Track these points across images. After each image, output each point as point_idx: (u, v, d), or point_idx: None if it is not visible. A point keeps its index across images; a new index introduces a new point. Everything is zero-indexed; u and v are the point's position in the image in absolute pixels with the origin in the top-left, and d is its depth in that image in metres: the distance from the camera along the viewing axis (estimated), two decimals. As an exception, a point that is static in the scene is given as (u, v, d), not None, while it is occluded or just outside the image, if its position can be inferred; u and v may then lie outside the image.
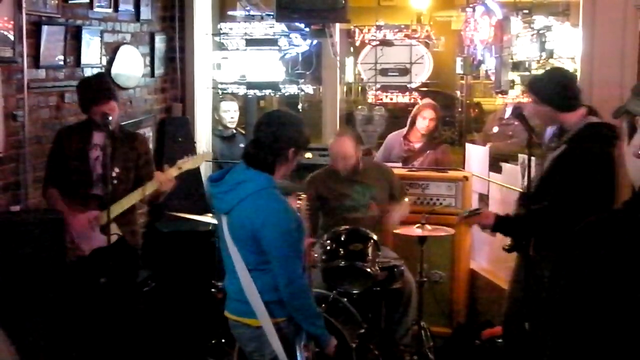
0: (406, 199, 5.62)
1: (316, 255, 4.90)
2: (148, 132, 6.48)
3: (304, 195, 4.29)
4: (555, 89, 4.15)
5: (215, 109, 7.21)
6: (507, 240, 4.37)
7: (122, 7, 6.05)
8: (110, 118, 4.55)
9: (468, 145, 6.76)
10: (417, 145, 6.86)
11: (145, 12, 6.42)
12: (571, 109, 4.13)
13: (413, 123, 6.86)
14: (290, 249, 3.43)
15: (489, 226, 4.32)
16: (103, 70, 5.79)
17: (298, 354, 3.48)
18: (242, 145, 7.51)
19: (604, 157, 4.03)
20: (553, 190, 4.04)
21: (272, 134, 3.51)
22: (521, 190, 4.48)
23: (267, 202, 3.43)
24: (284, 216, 3.44)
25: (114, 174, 4.67)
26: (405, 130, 6.95)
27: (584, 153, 3.97)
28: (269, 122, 3.57)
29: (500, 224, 4.25)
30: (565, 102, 4.13)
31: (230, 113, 7.14)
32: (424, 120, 6.78)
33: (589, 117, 4.13)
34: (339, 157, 5.37)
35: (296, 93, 6.92)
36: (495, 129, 7.22)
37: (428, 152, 6.80)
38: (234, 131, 7.29)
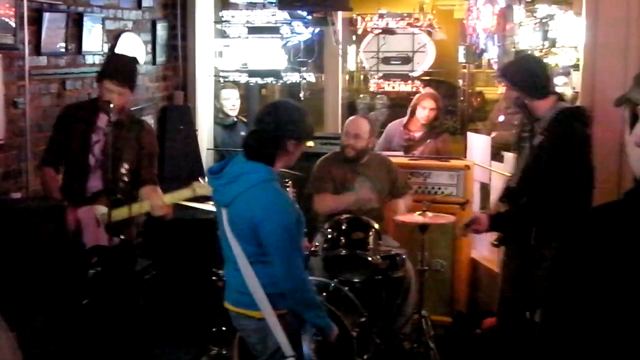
0: (407, 196, 5.63)
1: (317, 244, 4.89)
2: (149, 120, 6.47)
3: (290, 182, 4.28)
4: (525, 76, 4.18)
5: (216, 96, 7.20)
6: (494, 236, 4.42)
7: (123, -6, 6.04)
8: (111, 105, 4.47)
9: (470, 134, 6.75)
10: (417, 135, 6.86)
11: (147, 0, 6.40)
12: (541, 96, 4.14)
13: (413, 112, 6.86)
14: (290, 242, 3.39)
15: (483, 231, 4.36)
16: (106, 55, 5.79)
17: (304, 345, 3.46)
18: (243, 133, 7.49)
19: (583, 137, 4.06)
20: (540, 179, 4.04)
21: (271, 126, 3.47)
22: (506, 185, 4.50)
23: (267, 194, 3.39)
24: (284, 209, 3.40)
25: (123, 171, 4.60)
26: (405, 119, 6.95)
27: (563, 138, 3.97)
28: (270, 113, 3.52)
29: (494, 224, 4.28)
30: (536, 89, 4.14)
31: (232, 101, 7.12)
32: (424, 110, 6.79)
33: (560, 103, 4.14)
34: (351, 135, 5.39)
35: (298, 81, 6.91)
36: (501, 118, 7.22)
37: (428, 141, 6.80)
38: (235, 119, 7.27)
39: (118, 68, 4.62)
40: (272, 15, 6.61)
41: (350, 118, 5.66)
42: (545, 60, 4.27)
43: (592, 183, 4.14)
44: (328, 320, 3.62)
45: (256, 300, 3.42)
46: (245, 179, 3.42)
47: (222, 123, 7.24)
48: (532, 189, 4.11)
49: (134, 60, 4.86)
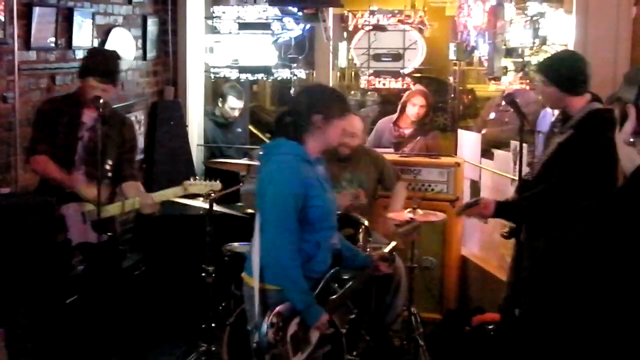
0: (400, 184, 5.60)
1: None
2: (140, 116, 6.46)
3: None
4: (564, 71, 4.09)
5: (222, 99, 7.17)
6: (501, 227, 4.37)
7: (114, -11, 6.02)
8: (101, 100, 4.43)
9: (460, 132, 6.77)
10: (407, 132, 6.88)
11: (138, -5, 6.39)
12: (578, 92, 4.07)
13: (403, 109, 6.88)
14: (281, 214, 3.35)
15: (488, 216, 4.27)
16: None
17: (263, 321, 3.36)
18: (238, 129, 7.52)
19: (609, 143, 3.99)
20: (555, 173, 4.00)
21: (294, 100, 3.58)
22: (523, 177, 4.43)
23: (276, 165, 3.41)
24: (283, 180, 3.37)
25: (107, 167, 4.57)
26: (395, 116, 6.96)
27: (591, 139, 3.91)
28: (298, 93, 3.67)
29: (500, 210, 4.21)
30: (573, 85, 4.06)
31: (236, 111, 7.17)
32: (414, 107, 6.81)
33: (594, 103, 4.08)
34: (347, 134, 5.34)
35: (289, 77, 6.89)
36: (492, 115, 7.24)
37: (418, 138, 6.82)
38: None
39: (101, 64, 4.58)
40: (263, 11, 6.61)
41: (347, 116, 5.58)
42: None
43: (607, 187, 4.02)
44: (312, 307, 3.44)
45: (252, 266, 3.43)
46: (268, 151, 3.52)
47: (216, 120, 7.25)
48: (545, 182, 4.07)
49: (115, 55, 4.79)
